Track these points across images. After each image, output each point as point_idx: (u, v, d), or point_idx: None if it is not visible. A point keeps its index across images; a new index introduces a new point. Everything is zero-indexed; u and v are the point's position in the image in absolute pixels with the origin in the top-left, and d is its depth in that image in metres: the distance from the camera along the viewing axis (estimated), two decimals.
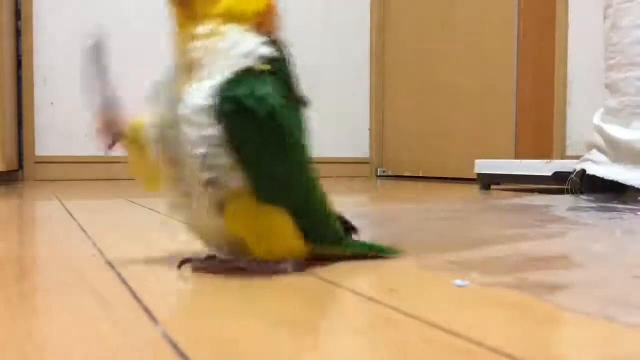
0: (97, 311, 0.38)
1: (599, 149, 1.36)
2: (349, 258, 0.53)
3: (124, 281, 0.46)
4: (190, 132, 0.44)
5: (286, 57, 0.48)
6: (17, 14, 2.06)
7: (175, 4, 0.47)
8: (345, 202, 1.35)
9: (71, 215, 0.95)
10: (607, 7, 1.37)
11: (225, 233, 0.47)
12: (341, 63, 2.58)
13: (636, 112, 1.30)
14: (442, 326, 0.34)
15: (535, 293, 0.42)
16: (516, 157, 1.87)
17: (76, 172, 2.13)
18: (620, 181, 1.28)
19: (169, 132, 0.47)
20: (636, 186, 1.25)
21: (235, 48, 0.45)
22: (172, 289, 0.46)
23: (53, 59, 2.11)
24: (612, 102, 1.35)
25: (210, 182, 0.44)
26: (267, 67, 0.45)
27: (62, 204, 1.16)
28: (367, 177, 2.60)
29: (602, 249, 0.64)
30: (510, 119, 1.94)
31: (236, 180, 0.44)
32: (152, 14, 2.23)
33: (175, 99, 0.46)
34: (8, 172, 1.89)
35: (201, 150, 0.44)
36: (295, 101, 0.48)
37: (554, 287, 0.45)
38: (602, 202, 1.17)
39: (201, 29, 0.45)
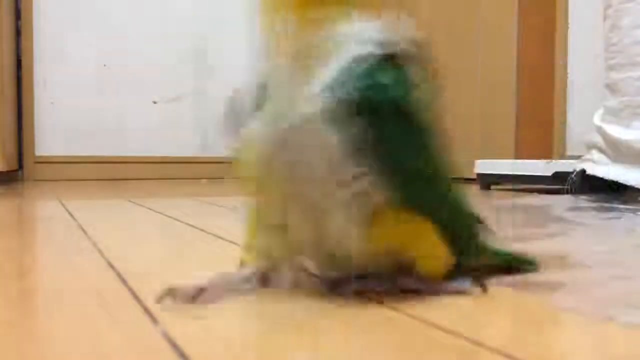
0: (97, 311, 0.38)
1: (599, 149, 1.36)
2: (489, 271, 0.45)
3: (124, 281, 0.46)
4: (318, 140, 0.36)
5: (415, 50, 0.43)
6: (17, 14, 2.06)
7: None
8: None
9: (71, 215, 0.95)
10: (607, 7, 1.37)
11: (367, 250, 0.39)
12: None
13: (636, 112, 1.30)
14: (442, 326, 0.34)
15: (536, 293, 0.42)
16: (516, 158, 1.86)
17: (76, 172, 2.13)
18: (620, 181, 1.28)
19: (273, 147, 0.37)
20: (636, 186, 1.25)
21: (364, 34, 0.38)
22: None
23: (53, 59, 2.11)
24: (612, 102, 1.35)
25: (355, 196, 0.37)
26: (408, 53, 0.40)
27: (62, 204, 1.16)
28: None
29: (602, 249, 0.64)
30: (511, 119, 1.93)
31: (381, 189, 0.37)
32: (153, 13, 2.23)
33: (285, 104, 0.37)
34: (8, 172, 1.89)
35: (337, 159, 0.36)
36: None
37: (554, 287, 0.45)
38: (602, 202, 1.17)
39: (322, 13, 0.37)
